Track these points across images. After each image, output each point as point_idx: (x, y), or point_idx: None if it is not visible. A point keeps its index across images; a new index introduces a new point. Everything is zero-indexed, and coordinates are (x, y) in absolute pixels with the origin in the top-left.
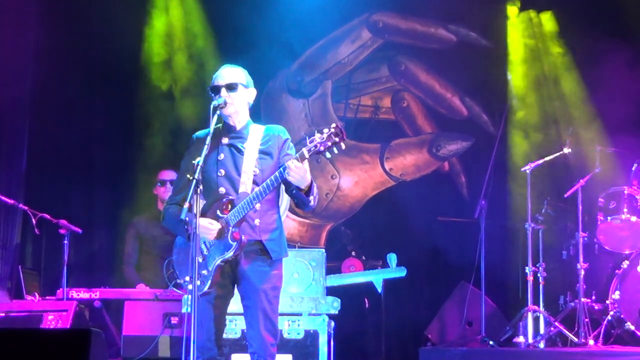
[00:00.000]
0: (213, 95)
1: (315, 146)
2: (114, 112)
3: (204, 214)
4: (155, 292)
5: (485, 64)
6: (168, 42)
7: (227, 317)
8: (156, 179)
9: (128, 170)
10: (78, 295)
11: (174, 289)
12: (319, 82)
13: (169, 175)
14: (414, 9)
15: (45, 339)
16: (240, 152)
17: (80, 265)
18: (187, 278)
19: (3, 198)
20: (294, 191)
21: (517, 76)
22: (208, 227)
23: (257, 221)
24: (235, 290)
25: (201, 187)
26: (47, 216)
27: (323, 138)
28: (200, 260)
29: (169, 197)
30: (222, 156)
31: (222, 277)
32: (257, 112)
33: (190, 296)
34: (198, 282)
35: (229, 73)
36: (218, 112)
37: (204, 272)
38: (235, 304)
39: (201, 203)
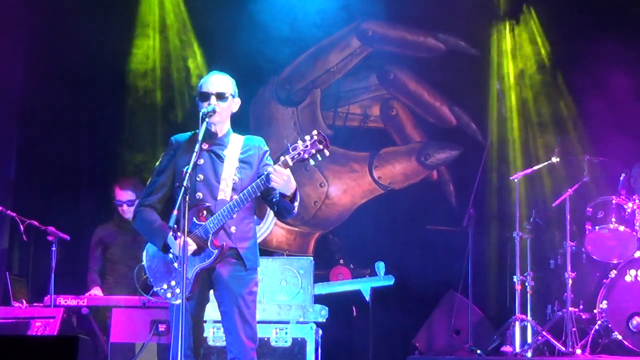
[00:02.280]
0: (201, 101)
1: (299, 154)
2: (101, 120)
3: (178, 219)
4: (143, 299)
5: (474, 73)
6: (155, 51)
7: (214, 324)
8: (113, 194)
9: (116, 177)
10: (65, 302)
11: (148, 296)
12: (308, 91)
13: (125, 195)
14: (403, 17)
15: (33, 345)
16: (221, 158)
17: (68, 272)
18: (165, 286)
19: None
20: (274, 199)
21: (505, 84)
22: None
23: (233, 228)
24: (212, 297)
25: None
26: (35, 223)
27: (307, 146)
28: (178, 268)
29: (142, 197)
30: (201, 161)
31: (199, 284)
32: (246, 120)
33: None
34: (177, 290)
35: (219, 81)
36: (207, 119)
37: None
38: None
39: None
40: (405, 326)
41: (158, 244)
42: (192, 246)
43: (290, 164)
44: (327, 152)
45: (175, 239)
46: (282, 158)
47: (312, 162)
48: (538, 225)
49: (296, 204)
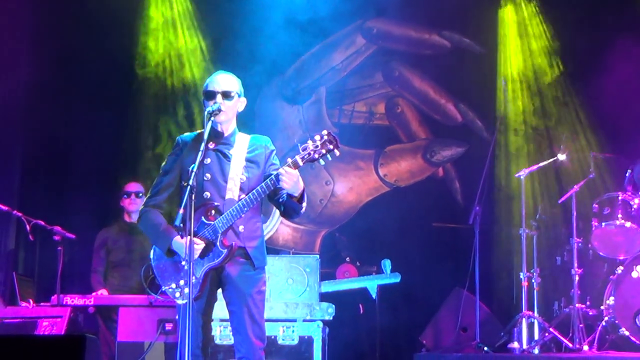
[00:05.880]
0: (206, 100)
1: (309, 154)
2: (108, 119)
3: (184, 218)
4: (150, 298)
5: (479, 70)
6: (162, 50)
7: (221, 323)
8: (122, 191)
9: (123, 176)
10: (72, 301)
11: (156, 295)
12: (313, 89)
13: (134, 187)
14: (407, 15)
15: (40, 345)
16: (227, 158)
17: (75, 272)
18: (173, 285)
19: None
20: (280, 199)
21: (510, 81)
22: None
23: (241, 228)
24: (219, 296)
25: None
26: (42, 223)
27: (317, 146)
28: (186, 267)
29: (148, 198)
30: (208, 160)
31: (208, 283)
32: (251, 119)
33: (181, 303)
34: (186, 290)
35: (225, 80)
36: (213, 118)
37: (192, 279)
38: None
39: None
40: (412, 323)
41: (163, 248)
42: (200, 245)
43: (301, 164)
44: (337, 152)
45: (182, 237)
46: (289, 160)
47: (322, 162)
48: (544, 222)
49: (304, 204)
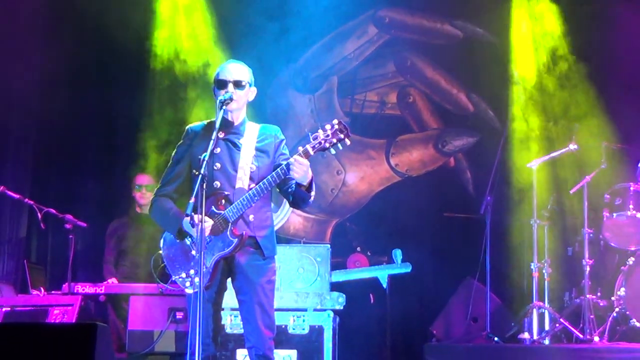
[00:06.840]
0: (218, 89)
1: (320, 143)
2: (120, 107)
3: (195, 208)
4: (160, 287)
5: (491, 60)
6: (174, 40)
7: (232, 312)
8: (133, 183)
9: (134, 165)
10: (83, 289)
11: (166, 285)
12: (324, 78)
13: (145, 180)
14: (420, 4)
15: (51, 333)
16: (237, 147)
17: (86, 260)
18: (184, 275)
19: (9, 193)
20: (289, 189)
21: (522, 71)
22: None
23: (251, 217)
24: (230, 285)
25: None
26: (53, 211)
27: (328, 135)
28: (197, 257)
29: (158, 188)
30: (217, 150)
31: (218, 272)
32: (263, 108)
33: (191, 292)
34: (197, 280)
35: (237, 69)
36: (224, 107)
37: (203, 268)
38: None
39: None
40: (423, 313)
41: (173, 231)
42: (209, 222)
43: (312, 153)
44: (348, 141)
45: (193, 226)
46: (300, 148)
47: (332, 151)
48: (556, 213)
49: (312, 193)
